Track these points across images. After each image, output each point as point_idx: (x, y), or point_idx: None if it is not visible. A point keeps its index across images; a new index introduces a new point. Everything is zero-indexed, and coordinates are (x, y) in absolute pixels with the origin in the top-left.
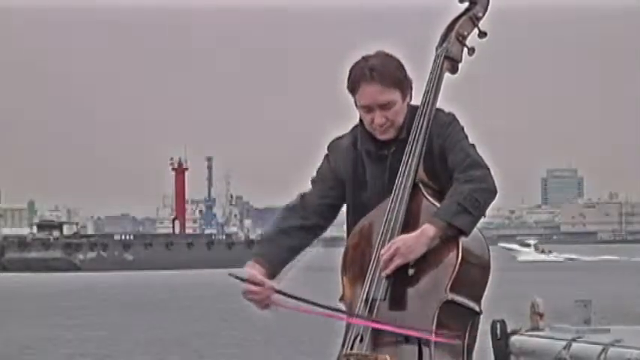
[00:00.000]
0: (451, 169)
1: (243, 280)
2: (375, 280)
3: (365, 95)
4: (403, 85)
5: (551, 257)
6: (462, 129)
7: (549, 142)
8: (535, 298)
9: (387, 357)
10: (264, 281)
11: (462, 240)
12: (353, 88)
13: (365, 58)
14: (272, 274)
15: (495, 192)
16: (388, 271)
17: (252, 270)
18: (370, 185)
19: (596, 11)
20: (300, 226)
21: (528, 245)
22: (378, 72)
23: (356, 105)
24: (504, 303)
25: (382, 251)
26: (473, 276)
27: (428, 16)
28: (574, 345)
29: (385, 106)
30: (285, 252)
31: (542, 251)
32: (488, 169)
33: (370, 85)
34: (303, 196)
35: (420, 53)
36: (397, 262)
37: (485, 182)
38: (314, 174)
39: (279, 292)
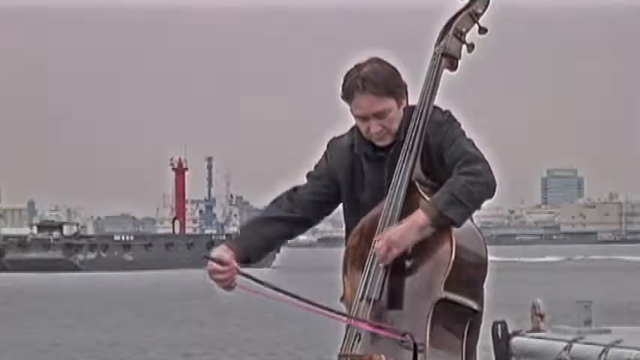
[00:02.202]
0: (450, 167)
1: (211, 259)
2: (371, 279)
3: (359, 106)
4: (397, 92)
5: None
6: (459, 125)
7: (549, 142)
8: (536, 299)
9: (383, 357)
10: (230, 261)
11: (457, 238)
12: (347, 98)
13: (357, 67)
14: (244, 259)
15: (494, 186)
16: (387, 261)
17: (221, 251)
18: (369, 186)
19: (596, 11)
20: (282, 218)
21: None
22: (371, 82)
23: (351, 112)
24: (505, 304)
25: (377, 245)
26: (469, 274)
27: (428, 14)
28: (575, 346)
29: (380, 115)
30: (261, 239)
31: None
32: (488, 163)
33: (364, 96)
34: (295, 189)
35: (420, 51)
36: (394, 252)
37: (483, 176)
38: (312, 168)
39: (243, 274)
